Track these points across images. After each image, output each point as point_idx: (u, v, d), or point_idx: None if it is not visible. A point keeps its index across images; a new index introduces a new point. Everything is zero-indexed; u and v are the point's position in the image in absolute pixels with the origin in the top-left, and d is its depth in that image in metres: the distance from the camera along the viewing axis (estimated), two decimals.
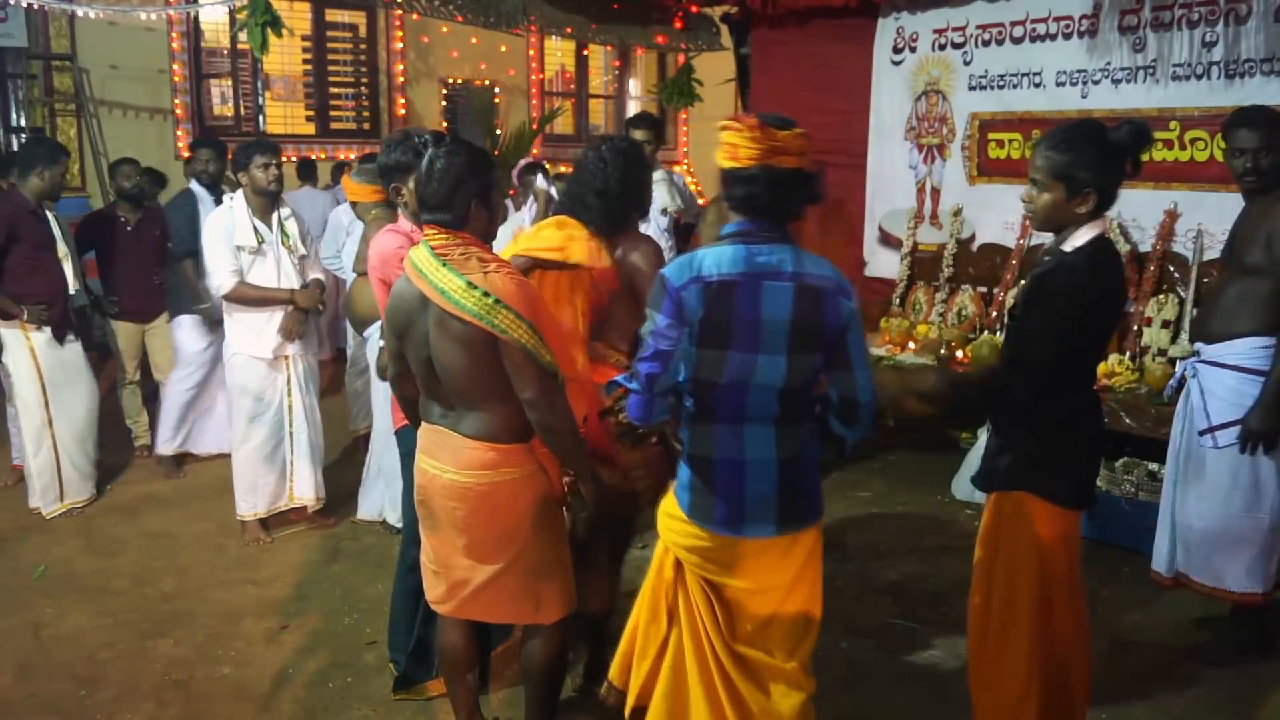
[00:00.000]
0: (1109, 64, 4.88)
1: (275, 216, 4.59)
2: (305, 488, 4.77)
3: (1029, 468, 2.53)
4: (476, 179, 2.56)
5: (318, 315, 4.76)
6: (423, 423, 2.73)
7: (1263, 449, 3.27)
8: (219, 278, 4.47)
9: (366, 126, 9.95)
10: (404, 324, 2.63)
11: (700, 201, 7.29)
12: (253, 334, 4.55)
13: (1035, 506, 2.52)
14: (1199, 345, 3.54)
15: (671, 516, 2.42)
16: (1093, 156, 2.41)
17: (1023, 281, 2.66)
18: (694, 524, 2.34)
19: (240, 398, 4.63)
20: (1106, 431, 4.31)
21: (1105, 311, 2.50)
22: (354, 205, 4.92)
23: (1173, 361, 4.43)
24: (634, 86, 12.05)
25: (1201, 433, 3.45)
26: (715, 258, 2.22)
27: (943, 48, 5.57)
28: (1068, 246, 2.47)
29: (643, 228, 5.04)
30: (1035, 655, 2.56)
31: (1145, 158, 4.69)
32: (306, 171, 8.45)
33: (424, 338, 2.58)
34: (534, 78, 10.96)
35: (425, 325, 2.56)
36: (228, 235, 4.46)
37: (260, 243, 4.51)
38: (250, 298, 4.49)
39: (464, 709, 2.92)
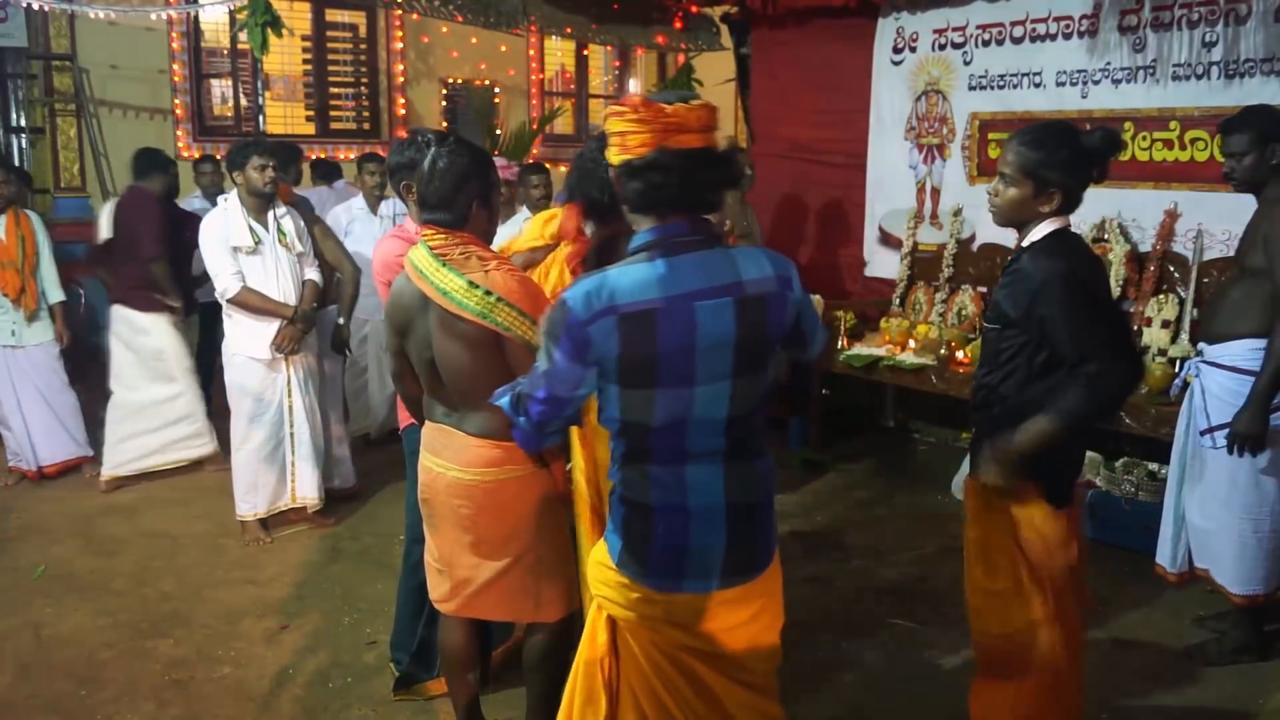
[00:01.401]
0: (1109, 64, 4.88)
1: (271, 215, 4.59)
2: (308, 488, 4.77)
3: (1020, 465, 2.48)
4: (478, 179, 2.57)
5: (313, 325, 4.76)
6: (426, 421, 2.73)
7: (1250, 452, 3.26)
8: (222, 282, 4.45)
9: (366, 126, 9.94)
10: (404, 323, 2.63)
11: None
12: (252, 335, 4.54)
13: (1029, 503, 2.50)
14: (1202, 345, 3.55)
15: (602, 565, 2.03)
16: (1064, 158, 2.43)
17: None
18: (625, 575, 1.98)
19: (240, 398, 4.62)
20: (1107, 431, 4.38)
21: (1082, 283, 2.42)
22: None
23: (1173, 361, 4.43)
24: (634, 86, 12.04)
25: (1202, 433, 3.45)
26: (631, 280, 1.83)
27: (943, 48, 5.57)
28: (1026, 242, 2.51)
29: None
30: (1043, 647, 2.55)
31: (1145, 158, 4.72)
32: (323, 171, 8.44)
33: (425, 338, 2.58)
34: (534, 78, 10.95)
35: (426, 325, 2.56)
36: (224, 238, 4.45)
37: (257, 243, 4.50)
38: (253, 306, 4.49)
39: (464, 708, 2.92)
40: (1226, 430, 3.33)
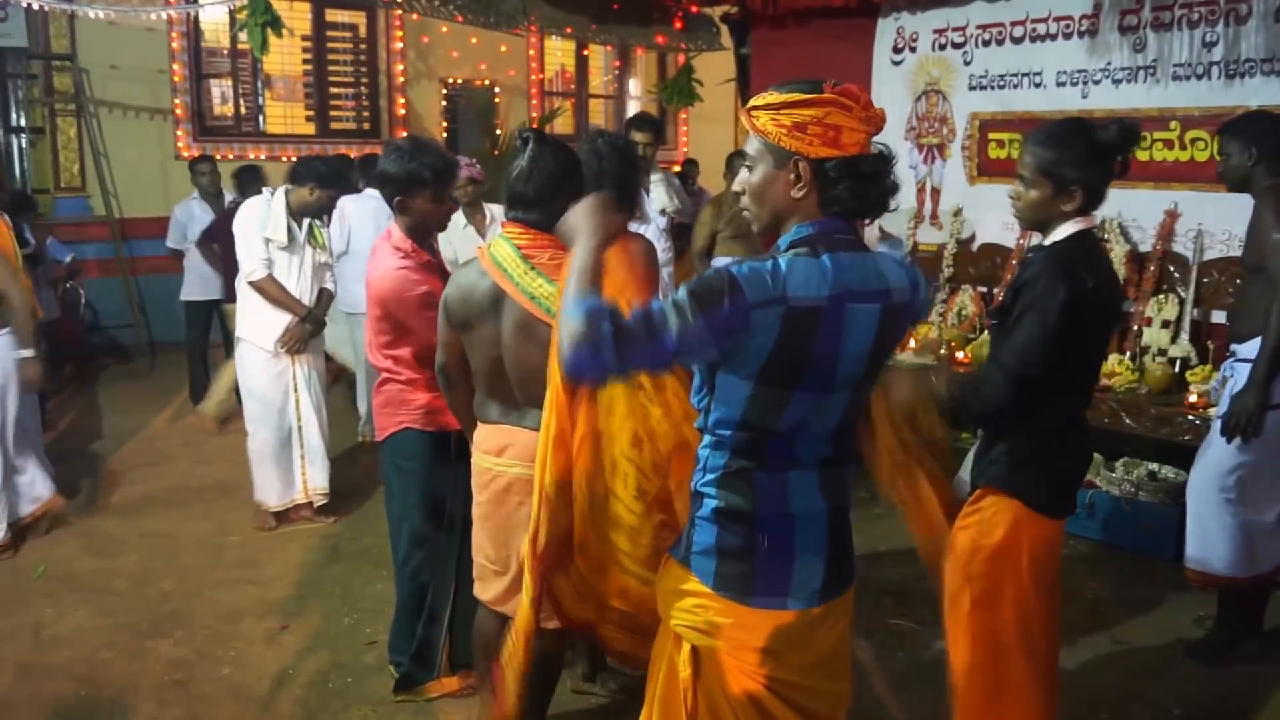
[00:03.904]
0: (1109, 64, 4.88)
1: (307, 219, 4.70)
2: (318, 479, 4.83)
3: (1012, 469, 2.50)
4: (575, 183, 2.55)
5: (321, 329, 4.83)
6: (479, 423, 2.70)
7: (1244, 434, 3.31)
8: (249, 264, 4.57)
9: (366, 126, 9.94)
10: (468, 318, 2.58)
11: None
12: (260, 323, 4.63)
13: (1015, 509, 2.49)
14: (1233, 345, 3.58)
15: (685, 593, 1.86)
16: (1080, 154, 2.40)
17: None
18: (723, 598, 1.81)
19: (247, 399, 4.75)
20: (1108, 432, 4.38)
21: (1086, 308, 2.39)
22: None
23: (1173, 362, 4.44)
24: (634, 86, 12.04)
25: (1219, 417, 3.49)
26: (803, 274, 1.68)
27: (943, 48, 5.57)
28: (1048, 241, 2.48)
29: (642, 229, 5.04)
30: (1031, 665, 2.54)
31: (1145, 157, 4.69)
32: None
33: (493, 337, 2.54)
34: (534, 78, 10.95)
35: (496, 324, 2.53)
36: (261, 225, 4.56)
37: (290, 241, 4.60)
38: (273, 296, 4.59)
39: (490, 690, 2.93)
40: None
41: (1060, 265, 2.38)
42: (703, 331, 1.62)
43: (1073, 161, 2.40)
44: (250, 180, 7.26)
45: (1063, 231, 2.45)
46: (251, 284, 4.58)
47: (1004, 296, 2.57)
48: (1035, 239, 2.63)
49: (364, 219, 5.59)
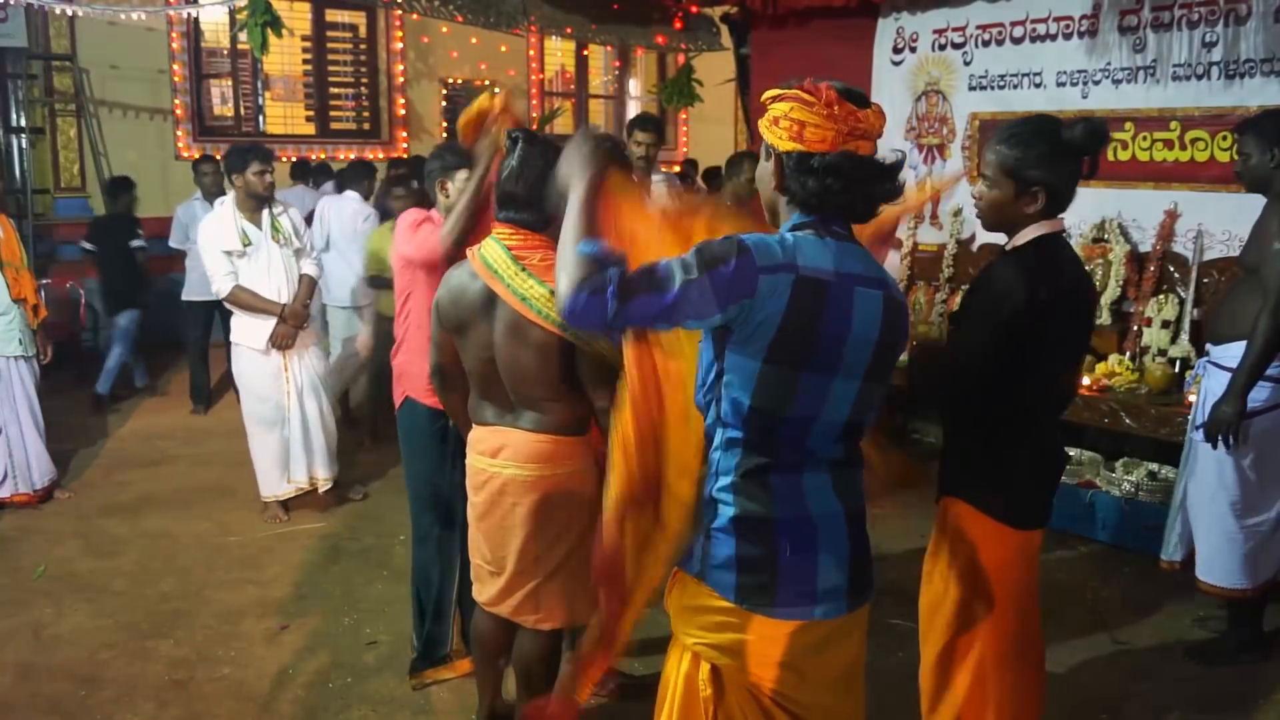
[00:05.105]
0: (1109, 64, 4.88)
1: (265, 214, 4.71)
2: (323, 469, 4.89)
3: (974, 480, 2.44)
4: None
5: (305, 321, 4.83)
6: (474, 425, 2.70)
7: (1225, 440, 3.29)
8: (216, 284, 4.66)
9: (366, 127, 9.95)
10: (460, 320, 2.58)
11: None
12: (250, 327, 4.70)
13: (976, 519, 2.43)
14: (1208, 345, 3.57)
15: (704, 609, 1.80)
16: (1043, 154, 2.30)
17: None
18: (745, 611, 1.75)
19: (245, 395, 4.81)
20: (1108, 432, 4.38)
21: (1046, 315, 2.29)
22: None
23: (1173, 362, 4.44)
24: (634, 86, 12.05)
25: (1195, 428, 3.48)
26: (810, 249, 1.70)
27: (943, 48, 5.57)
28: (1009, 247, 2.39)
29: None
30: (990, 673, 2.50)
31: (1145, 158, 4.68)
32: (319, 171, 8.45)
33: (486, 339, 2.54)
34: (534, 78, 10.96)
35: (489, 326, 2.53)
36: (218, 241, 4.62)
37: (246, 245, 4.64)
38: (246, 304, 4.65)
39: (489, 692, 2.95)
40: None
41: (1015, 273, 2.29)
42: (705, 288, 1.61)
43: (1036, 161, 2.30)
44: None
45: (1025, 236, 2.35)
46: (224, 301, 4.69)
47: (962, 299, 2.52)
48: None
49: (342, 219, 5.95)
